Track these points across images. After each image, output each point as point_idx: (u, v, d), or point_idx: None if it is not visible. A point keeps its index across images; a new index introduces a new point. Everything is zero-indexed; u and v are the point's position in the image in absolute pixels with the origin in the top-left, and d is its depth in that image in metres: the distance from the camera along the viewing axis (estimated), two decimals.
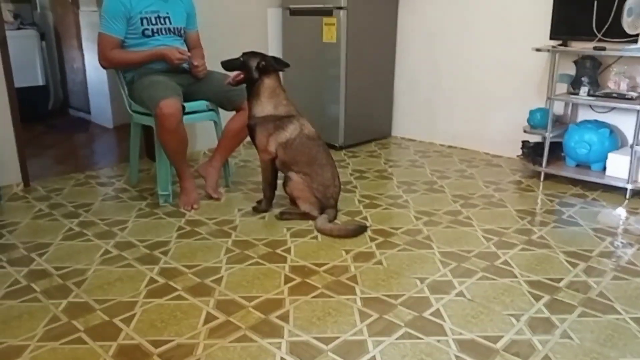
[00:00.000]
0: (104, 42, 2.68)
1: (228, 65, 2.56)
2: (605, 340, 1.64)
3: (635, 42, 2.92)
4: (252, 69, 2.49)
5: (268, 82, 2.51)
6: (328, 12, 3.75)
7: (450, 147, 4.07)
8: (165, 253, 2.22)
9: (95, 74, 4.63)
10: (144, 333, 1.65)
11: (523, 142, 3.46)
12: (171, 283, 1.96)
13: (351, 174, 3.37)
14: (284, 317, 1.74)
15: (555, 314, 1.78)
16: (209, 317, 1.74)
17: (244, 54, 2.53)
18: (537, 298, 1.88)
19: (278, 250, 2.25)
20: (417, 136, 4.29)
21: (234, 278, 2.01)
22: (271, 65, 2.51)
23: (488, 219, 2.63)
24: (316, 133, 2.61)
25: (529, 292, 1.93)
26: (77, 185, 3.10)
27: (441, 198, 2.94)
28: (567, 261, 2.18)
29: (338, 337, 1.64)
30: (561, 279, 2.03)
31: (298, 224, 2.53)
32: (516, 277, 2.04)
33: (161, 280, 1.98)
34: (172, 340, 1.61)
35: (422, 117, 4.23)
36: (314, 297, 1.88)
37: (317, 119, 4.06)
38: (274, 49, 4.19)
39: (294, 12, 3.99)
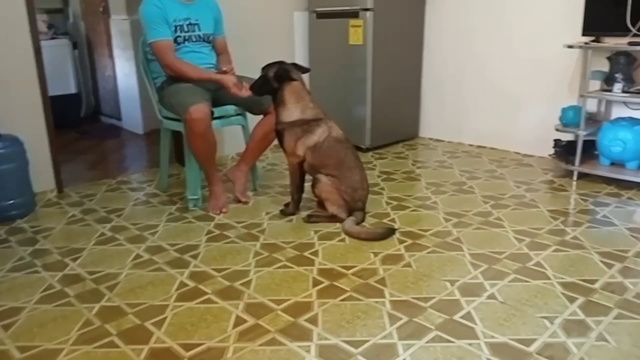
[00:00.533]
0: (160, 48, 2.68)
1: (256, 87, 2.60)
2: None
3: None
4: (271, 80, 2.52)
5: (290, 88, 2.52)
6: (354, 14, 3.74)
7: (479, 147, 4.01)
8: (195, 257, 2.24)
9: (125, 81, 4.73)
10: (175, 336, 1.67)
11: (555, 140, 3.39)
12: (201, 286, 1.98)
13: (378, 176, 3.35)
14: (313, 320, 1.74)
15: (590, 316, 1.73)
16: (239, 320, 1.75)
17: (263, 68, 2.57)
18: (572, 300, 1.83)
19: (306, 253, 2.25)
20: (445, 137, 4.24)
21: (262, 281, 2.02)
22: (286, 72, 2.52)
23: (519, 219, 2.58)
24: (344, 135, 2.60)
25: (562, 294, 1.88)
26: (108, 190, 3.17)
27: (471, 199, 2.89)
28: (601, 262, 2.12)
29: (367, 341, 1.63)
30: (596, 280, 1.97)
31: (326, 226, 2.52)
32: (549, 278, 1.99)
33: (191, 284, 2.01)
34: (203, 344, 1.63)
35: (450, 117, 4.18)
36: (342, 300, 1.87)
37: (343, 120, 4.05)
38: (300, 53, 4.21)
39: (320, 15, 4.00)
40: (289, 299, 1.88)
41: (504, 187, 3.09)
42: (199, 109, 2.53)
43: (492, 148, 3.95)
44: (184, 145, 2.76)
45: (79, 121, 5.08)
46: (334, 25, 3.91)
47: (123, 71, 4.74)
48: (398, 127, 4.22)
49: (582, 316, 1.74)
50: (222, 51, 3.00)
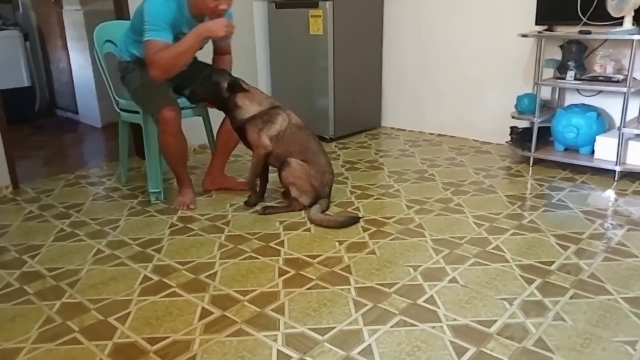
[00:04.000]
0: (153, 46, 2.39)
1: (201, 93, 2.57)
2: (597, 321, 1.65)
3: (620, 24, 2.93)
4: (223, 89, 2.53)
5: (241, 95, 2.54)
6: (314, 4, 3.74)
7: (439, 135, 4.08)
8: (158, 250, 2.21)
9: (81, 73, 4.60)
10: (140, 331, 1.65)
11: (511, 128, 3.48)
12: (165, 280, 1.96)
13: (342, 166, 3.37)
14: (279, 310, 1.75)
15: (547, 297, 1.80)
16: (205, 313, 1.74)
17: (209, 75, 2.55)
18: (529, 282, 1.90)
19: (271, 244, 2.25)
20: (406, 126, 4.30)
21: (228, 273, 2.01)
22: (239, 84, 2.54)
23: (479, 205, 2.65)
24: (303, 122, 2.62)
25: (521, 276, 1.95)
26: (67, 185, 3.08)
27: (432, 186, 2.95)
28: (558, 244, 2.20)
29: (334, 327, 1.65)
30: (552, 262, 2.05)
31: (291, 217, 2.53)
32: (508, 261, 2.06)
33: (155, 278, 1.98)
34: (168, 337, 1.61)
35: (411, 106, 4.23)
36: (308, 288, 1.89)
37: (306, 111, 4.06)
38: (260, 43, 4.18)
39: (279, 5, 3.97)
40: (255, 290, 1.88)
41: (463, 174, 3.16)
42: (172, 109, 2.49)
43: (451, 136, 4.03)
44: (143, 137, 2.71)
45: (33, 115, 4.92)
46: (293, 16, 3.89)
47: (78, 63, 4.60)
48: (361, 117, 4.25)
49: (539, 297, 1.80)
50: (224, 52, 2.85)
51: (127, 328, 1.67)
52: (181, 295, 1.85)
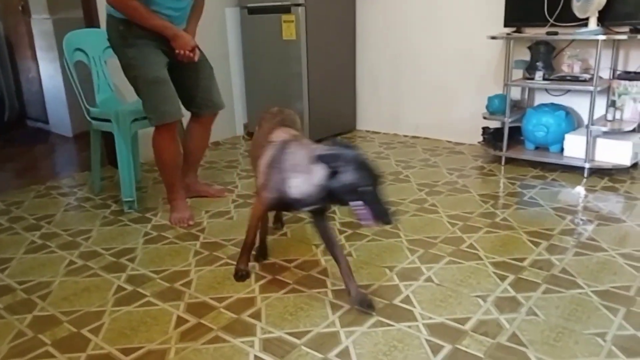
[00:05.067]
0: None
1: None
2: (569, 315, 1.69)
3: (586, 25, 3.00)
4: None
5: None
6: (286, 9, 3.75)
7: (413, 137, 4.12)
8: (132, 260, 2.18)
9: (51, 83, 4.52)
10: (114, 342, 1.62)
11: (483, 128, 3.53)
12: (140, 290, 1.94)
13: None
14: (256, 315, 1.74)
15: (520, 293, 1.83)
16: (180, 321, 1.72)
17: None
18: (503, 278, 1.93)
19: None
20: (381, 128, 4.33)
21: (203, 280, 1.99)
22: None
23: (453, 205, 2.68)
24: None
25: (494, 273, 1.97)
26: (37, 197, 3.02)
27: (407, 187, 2.97)
28: (530, 241, 2.24)
29: (311, 331, 1.64)
30: (525, 258, 2.08)
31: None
32: (481, 259, 2.08)
33: (129, 288, 1.95)
34: (143, 347, 1.59)
35: (386, 109, 4.27)
36: (285, 293, 1.88)
37: None
38: (233, 49, 4.17)
39: (252, 11, 3.97)
40: (231, 296, 1.87)
41: (437, 174, 3.19)
42: (176, 117, 2.45)
43: (425, 138, 4.07)
44: (115, 146, 2.68)
45: (2, 127, 4.81)
46: (266, 21, 3.90)
47: (48, 73, 4.52)
48: (335, 121, 4.26)
49: (512, 293, 1.83)
50: (198, 3, 2.58)
51: (100, 339, 1.64)
52: (156, 305, 1.83)
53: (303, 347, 1.57)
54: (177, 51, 2.41)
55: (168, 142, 2.47)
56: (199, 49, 2.54)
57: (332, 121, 4.21)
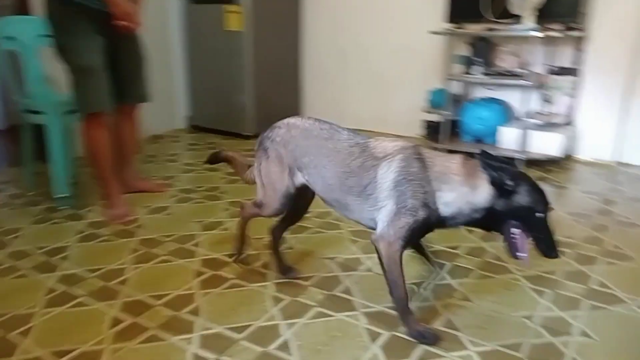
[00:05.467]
0: None
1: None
2: (500, 299, 1.75)
3: (523, 22, 3.11)
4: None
5: None
6: (229, 0, 3.69)
7: (358, 130, 4.15)
8: (64, 259, 2.10)
9: None
10: (44, 344, 1.55)
11: (427, 121, 3.61)
12: (72, 289, 1.86)
13: None
14: (195, 312, 1.71)
15: (455, 279, 1.89)
16: (115, 321, 1.67)
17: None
18: (439, 265, 1.98)
19: (187, 245, 2.20)
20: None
21: (140, 278, 1.94)
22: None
23: None
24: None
25: (431, 261, 2.02)
26: None
27: None
28: (466, 229, 2.30)
29: (251, 325, 1.63)
30: (459, 246, 2.15)
31: (207, 216, 2.48)
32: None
33: (61, 288, 1.87)
34: (76, 349, 1.53)
35: (331, 102, 4.29)
36: (226, 288, 1.86)
37: (225, 108, 4.01)
38: (176, 40, 4.07)
39: (195, 0, 3.89)
40: (169, 293, 1.83)
41: None
42: (101, 109, 2.35)
43: (369, 131, 4.12)
44: (48, 139, 2.56)
45: None
46: (210, 11, 3.83)
47: None
48: (281, 114, 4.11)
49: (448, 280, 1.89)
50: None
51: (30, 343, 1.57)
52: (90, 305, 1.77)
53: (242, 342, 1.56)
54: (115, 22, 2.28)
55: (96, 133, 2.39)
56: (138, 38, 2.47)
57: (278, 113, 4.11)
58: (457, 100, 3.59)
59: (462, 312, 1.69)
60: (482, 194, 1.39)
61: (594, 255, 2.08)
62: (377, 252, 1.52)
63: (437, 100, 3.45)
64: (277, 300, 1.77)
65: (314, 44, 4.23)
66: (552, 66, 3.33)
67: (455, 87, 3.62)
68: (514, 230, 1.39)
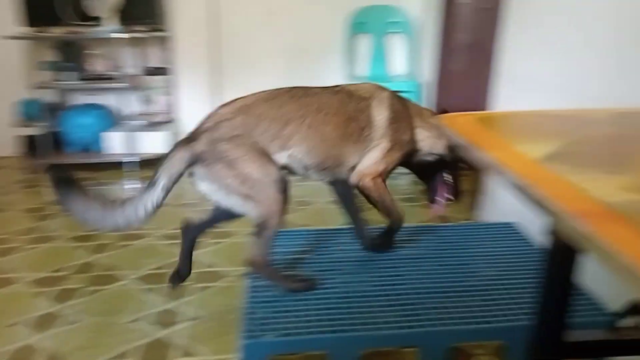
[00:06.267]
0: None
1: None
2: (111, 308, 1.70)
3: (108, 24, 3.04)
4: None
5: None
6: None
7: None
8: None
9: None
10: None
11: (26, 137, 3.21)
12: None
13: None
14: None
15: (63, 303, 1.74)
16: None
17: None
18: (45, 295, 1.79)
19: None
20: None
21: None
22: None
23: None
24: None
25: (37, 293, 1.81)
26: None
27: None
28: (76, 247, 2.17)
29: None
30: (68, 266, 1.99)
31: None
32: (18, 281, 1.88)
33: None
34: None
35: None
36: None
37: None
38: None
39: None
40: None
41: None
42: None
43: None
44: None
45: None
46: None
47: None
48: None
49: (56, 307, 1.72)
50: None
51: None
52: None
53: None
54: None
55: None
56: None
57: None
58: (54, 110, 3.31)
59: (66, 336, 1.56)
60: (442, 142, 1.54)
61: (203, 239, 2.21)
62: (361, 189, 1.50)
63: (30, 111, 3.11)
64: None
65: None
66: (145, 67, 3.41)
67: (50, 96, 3.33)
68: (446, 177, 1.59)
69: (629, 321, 0.75)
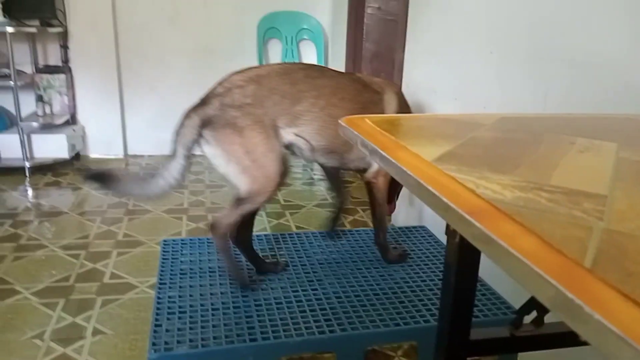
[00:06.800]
0: None
1: None
2: (4, 326, 1.57)
3: None
4: None
5: None
6: None
7: None
8: None
9: None
10: None
11: None
12: None
13: None
14: None
15: None
16: None
17: None
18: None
19: None
20: None
21: None
22: None
23: None
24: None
25: None
26: None
27: None
28: None
29: None
30: None
31: None
32: None
33: None
34: None
35: None
36: None
37: None
38: None
39: None
40: None
41: None
42: None
43: None
44: None
45: None
46: None
47: None
48: None
49: None
50: None
51: None
52: None
53: None
54: None
55: None
56: None
57: None
58: None
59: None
60: None
61: (108, 249, 2.11)
62: (374, 187, 1.55)
63: None
64: None
65: None
66: (41, 65, 3.18)
67: None
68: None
69: (527, 318, 0.81)
